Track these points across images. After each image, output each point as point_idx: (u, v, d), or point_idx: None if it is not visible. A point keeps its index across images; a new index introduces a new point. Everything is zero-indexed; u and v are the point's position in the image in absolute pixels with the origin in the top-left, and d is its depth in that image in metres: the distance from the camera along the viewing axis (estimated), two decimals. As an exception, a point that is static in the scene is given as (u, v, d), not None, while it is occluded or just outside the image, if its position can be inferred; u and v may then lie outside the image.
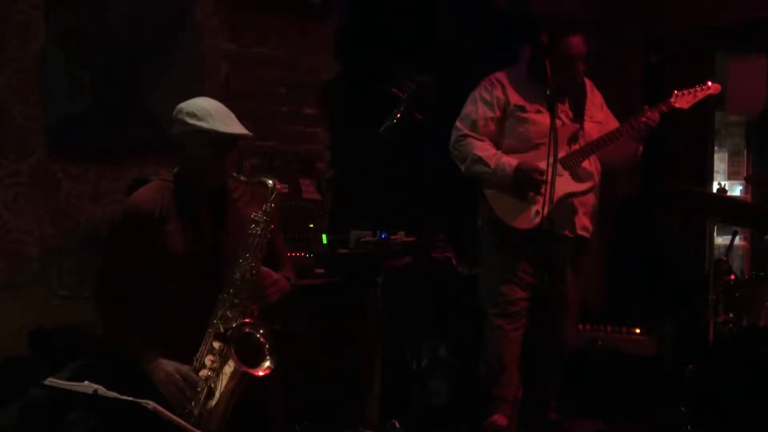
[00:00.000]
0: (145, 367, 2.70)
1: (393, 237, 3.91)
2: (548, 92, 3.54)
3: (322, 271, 4.10)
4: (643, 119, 3.87)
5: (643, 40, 5.46)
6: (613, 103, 4.30)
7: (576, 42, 3.93)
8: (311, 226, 4.16)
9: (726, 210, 3.84)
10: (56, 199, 3.91)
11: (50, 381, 2.56)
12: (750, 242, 5.88)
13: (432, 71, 3.80)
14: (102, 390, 2.44)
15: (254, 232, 2.74)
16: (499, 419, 3.92)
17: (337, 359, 4.04)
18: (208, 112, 2.76)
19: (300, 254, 4.05)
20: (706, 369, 3.54)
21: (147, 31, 4.12)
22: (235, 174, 2.84)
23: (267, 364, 2.66)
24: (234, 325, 2.67)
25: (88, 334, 3.40)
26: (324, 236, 4.18)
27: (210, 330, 2.69)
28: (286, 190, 4.10)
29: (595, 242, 5.10)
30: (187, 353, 2.69)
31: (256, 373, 2.64)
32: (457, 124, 4.07)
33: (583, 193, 4.00)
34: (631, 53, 5.50)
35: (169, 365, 2.68)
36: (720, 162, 6.39)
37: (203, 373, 2.65)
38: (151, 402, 2.37)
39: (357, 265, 4.06)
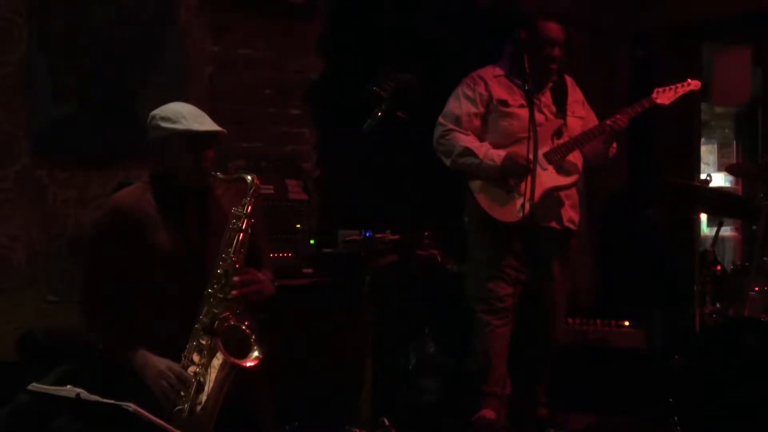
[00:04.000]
0: (136, 367, 2.72)
1: (378, 236, 3.91)
2: (527, 88, 3.56)
3: (310, 271, 4.11)
4: (609, 122, 3.92)
5: (630, 36, 5.46)
6: (602, 99, 4.32)
7: (551, 26, 3.95)
8: (298, 226, 4.15)
9: (709, 201, 3.85)
10: (43, 204, 3.93)
11: (34, 386, 2.51)
12: (741, 233, 5.90)
13: (414, 69, 3.82)
14: (84, 394, 2.42)
15: (235, 226, 2.76)
16: (488, 414, 3.92)
17: (326, 359, 4.04)
18: (181, 114, 2.80)
19: (287, 255, 4.06)
20: (692, 360, 3.55)
21: (131, 34, 4.13)
22: (214, 172, 2.85)
23: (255, 354, 2.67)
24: (220, 317, 2.68)
25: (77, 339, 3.40)
26: (312, 241, 4.19)
27: (197, 326, 2.70)
28: (271, 191, 4.12)
29: (585, 236, 5.13)
30: (175, 351, 2.70)
31: (245, 364, 2.65)
32: (441, 120, 4.08)
33: (569, 186, 4.01)
34: (619, 49, 5.50)
35: (160, 363, 2.69)
36: (709, 153, 6.40)
37: (192, 369, 2.67)
38: (131, 404, 2.36)
39: (342, 264, 4.05)
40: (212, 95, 4.38)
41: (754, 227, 3.90)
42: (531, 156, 3.69)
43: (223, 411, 2.66)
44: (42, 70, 3.91)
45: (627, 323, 4.48)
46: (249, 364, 2.66)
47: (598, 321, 4.56)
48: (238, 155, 4.40)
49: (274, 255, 3.94)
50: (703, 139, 6.21)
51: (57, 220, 3.95)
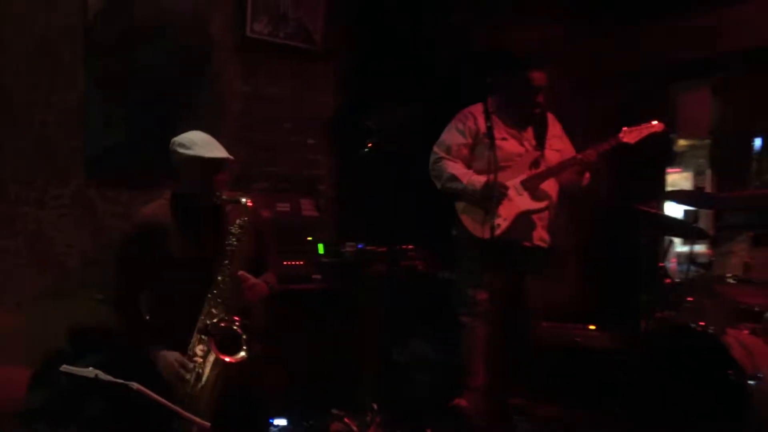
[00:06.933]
0: (152, 356, 2.93)
1: (369, 248, 4.02)
2: (489, 124, 3.64)
3: (319, 277, 4.25)
4: (580, 156, 3.99)
5: (605, 76, 5.47)
6: (582, 132, 4.38)
7: (537, 75, 4.03)
8: (309, 239, 4.32)
9: (658, 223, 3.90)
10: (94, 218, 4.11)
11: (64, 368, 2.67)
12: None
13: (416, 105, 3.88)
14: (101, 374, 2.60)
15: (231, 242, 2.95)
16: (462, 402, 4.01)
17: (329, 354, 4.14)
18: (194, 142, 2.99)
19: (299, 263, 4.21)
20: (636, 360, 3.58)
21: (173, 75, 4.30)
22: (219, 192, 3.01)
23: (242, 354, 2.85)
24: (214, 321, 2.87)
25: (116, 331, 3.55)
26: (320, 246, 4.32)
27: (199, 324, 2.89)
28: (287, 208, 4.27)
29: (572, 252, 5.16)
30: (183, 340, 2.91)
31: (232, 360, 2.83)
32: (435, 148, 4.22)
33: (540, 210, 4.09)
34: (596, 88, 5.51)
35: (170, 355, 2.91)
36: (685, 180, 6.33)
37: (195, 360, 2.88)
38: (135, 384, 2.52)
39: (346, 271, 4.18)
40: (242, 127, 4.56)
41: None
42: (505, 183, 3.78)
43: (227, 398, 2.85)
44: (96, 104, 4.07)
45: (592, 327, 4.50)
46: (233, 360, 2.82)
47: (569, 324, 4.59)
48: (263, 177, 4.58)
49: (288, 263, 4.11)
50: (681, 167, 6.16)
51: (105, 232, 4.11)
